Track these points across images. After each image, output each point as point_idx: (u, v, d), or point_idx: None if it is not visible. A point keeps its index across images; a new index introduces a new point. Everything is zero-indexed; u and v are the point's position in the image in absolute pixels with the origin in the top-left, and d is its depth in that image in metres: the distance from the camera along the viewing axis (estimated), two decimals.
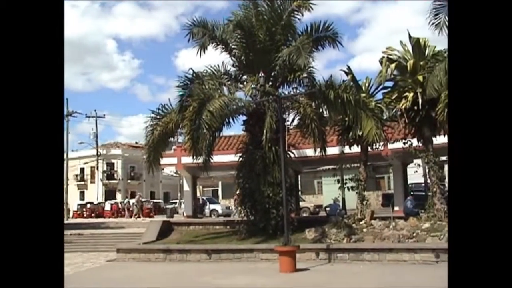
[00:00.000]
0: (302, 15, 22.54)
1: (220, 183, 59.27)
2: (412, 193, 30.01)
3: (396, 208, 27.59)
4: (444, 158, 34.64)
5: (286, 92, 22.60)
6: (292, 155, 23.75)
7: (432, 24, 17.45)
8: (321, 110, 21.88)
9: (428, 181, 23.10)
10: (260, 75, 18.03)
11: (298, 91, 21.01)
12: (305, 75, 19.41)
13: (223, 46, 23.11)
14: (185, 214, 34.13)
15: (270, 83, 21.89)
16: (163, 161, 26.13)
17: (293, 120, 23.21)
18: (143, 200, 44.82)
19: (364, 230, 19.82)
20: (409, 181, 32.19)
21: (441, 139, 21.75)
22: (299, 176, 35.19)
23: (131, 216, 42.57)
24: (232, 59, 23.44)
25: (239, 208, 22.95)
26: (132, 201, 44.96)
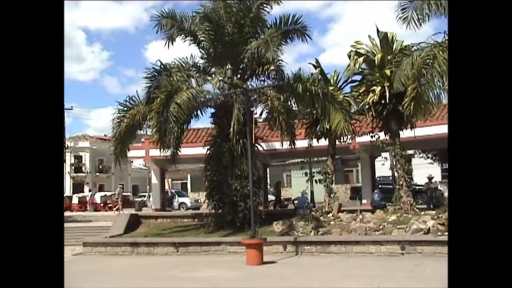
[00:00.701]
0: (271, 8, 22.57)
1: (189, 176, 58.97)
2: (380, 186, 30.21)
3: (364, 201, 27.79)
4: (411, 151, 35.12)
5: (254, 85, 22.56)
6: (260, 148, 23.74)
7: (400, 18, 17.54)
8: (289, 103, 21.91)
9: (396, 174, 23.28)
10: (227, 67, 17.92)
11: (266, 84, 20.98)
12: (272, 67, 19.34)
13: (192, 38, 22.95)
14: (153, 207, 33.88)
15: (239, 76, 21.81)
16: (131, 153, 25.93)
17: (261, 113, 23.21)
18: (124, 193, 44.01)
19: (332, 223, 19.95)
20: (378, 174, 32.42)
21: (408, 133, 22.01)
22: (268, 169, 35.21)
23: (96, 210, 41.97)
24: (200, 51, 23.32)
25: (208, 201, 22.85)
26: (114, 193, 44.22)
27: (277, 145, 26.29)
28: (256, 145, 22.50)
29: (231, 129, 20.17)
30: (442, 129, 25.17)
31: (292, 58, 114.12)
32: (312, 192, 31.64)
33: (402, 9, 17.33)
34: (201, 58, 23.40)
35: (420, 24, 17.00)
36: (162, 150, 21.69)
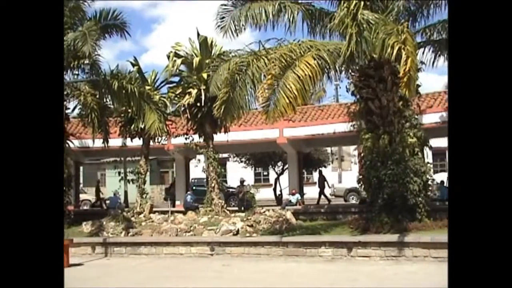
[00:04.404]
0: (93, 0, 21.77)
1: None
2: (194, 187, 30.57)
3: (177, 202, 27.97)
4: (225, 155, 35.99)
5: (68, 79, 21.54)
6: (72, 145, 22.81)
7: (218, 26, 17.91)
8: (104, 100, 21.29)
9: (209, 176, 23.66)
10: None
11: (80, 79, 20.19)
12: (86, 61, 18.65)
13: None
14: None
15: None
16: None
17: (74, 109, 22.32)
18: None
19: (143, 223, 19.82)
20: (193, 176, 32.75)
21: (222, 137, 22.51)
22: (81, 168, 34.03)
23: None
24: None
25: None
26: None
27: (91, 142, 25.47)
28: (68, 141, 21.60)
29: None
30: (255, 134, 26.28)
31: (114, 55, 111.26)
32: (126, 192, 31.16)
33: (220, 18, 17.73)
34: None
35: (237, 34, 17.52)
36: None
